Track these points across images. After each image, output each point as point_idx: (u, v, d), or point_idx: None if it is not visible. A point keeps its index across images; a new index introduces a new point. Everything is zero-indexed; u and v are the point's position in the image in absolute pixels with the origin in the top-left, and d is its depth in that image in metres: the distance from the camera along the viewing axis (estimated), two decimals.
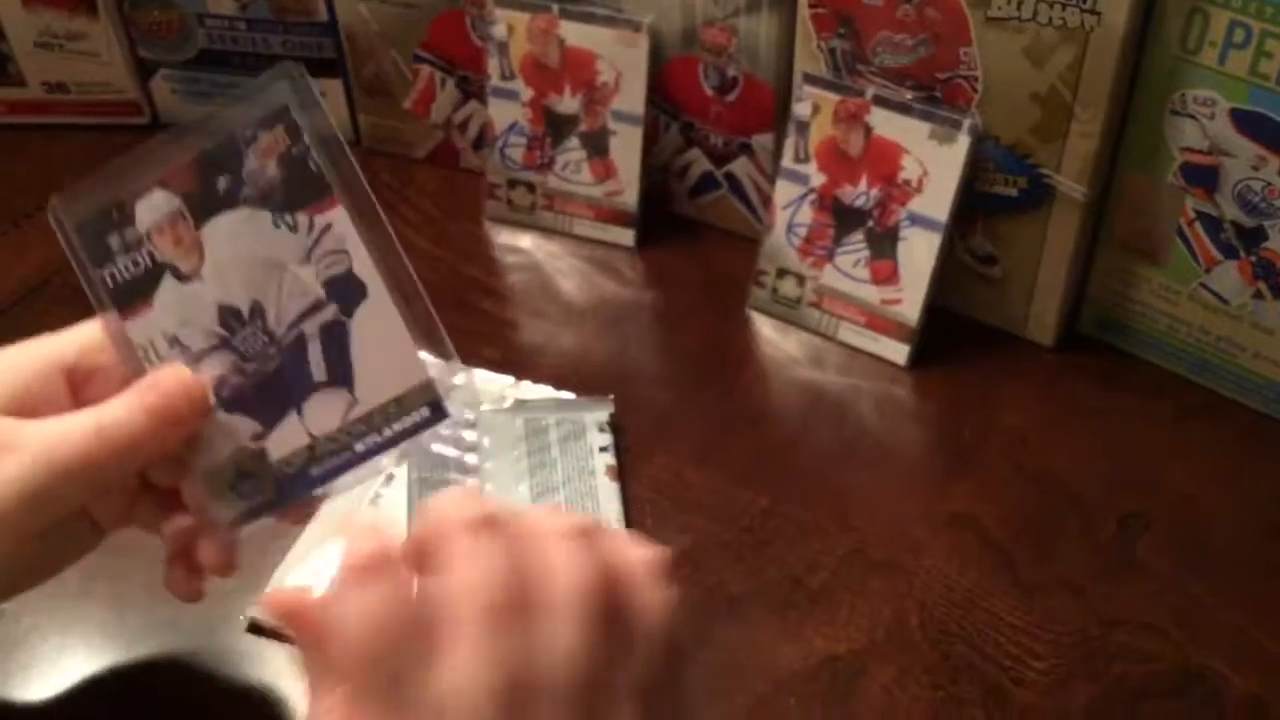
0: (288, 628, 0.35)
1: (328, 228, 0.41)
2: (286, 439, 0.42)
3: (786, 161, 0.69)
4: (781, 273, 0.70)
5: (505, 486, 0.59)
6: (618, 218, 0.75)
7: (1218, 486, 0.62)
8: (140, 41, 0.81)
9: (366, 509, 0.58)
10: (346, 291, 0.42)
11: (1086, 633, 0.55)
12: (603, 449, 0.61)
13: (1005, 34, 0.61)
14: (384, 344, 0.41)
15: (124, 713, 0.52)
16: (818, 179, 0.68)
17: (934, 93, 0.65)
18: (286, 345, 0.42)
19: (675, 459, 0.63)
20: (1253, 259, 0.62)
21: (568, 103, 0.73)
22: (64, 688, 0.53)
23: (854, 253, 0.68)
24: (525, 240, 0.77)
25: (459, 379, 0.42)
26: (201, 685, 0.53)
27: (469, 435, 0.62)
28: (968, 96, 0.64)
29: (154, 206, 0.42)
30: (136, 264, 0.42)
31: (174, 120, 0.84)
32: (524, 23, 0.72)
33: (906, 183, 0.65)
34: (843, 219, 0.68)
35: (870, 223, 0.67)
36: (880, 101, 0.65)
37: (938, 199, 0.65)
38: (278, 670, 0.53)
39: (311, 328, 0.42)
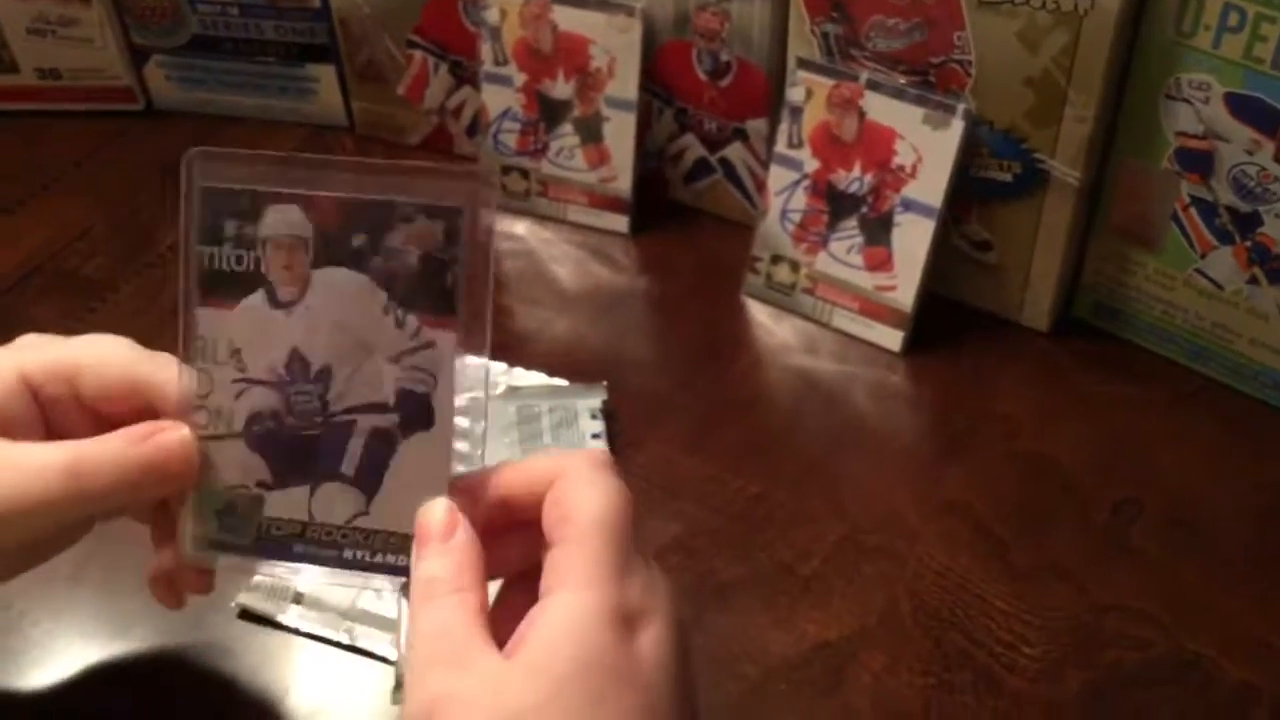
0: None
1: (430, 344, 0.40)
2: (288, 504, 0.41)
3: (780, 147, 0.69)
4: (776, 259, 0.70)
5: None
6: (612, 204, 0.75)
7: (1212, 472, 0.62)
8: (133, 27, 0.81)
9: None
10: (415, 412, 0.40)
11: (1079, 619, 0.55)
12: (595, 436, 0.61)
13: (999, 18, 0.61)
14: (421, 480, 0.40)
15: (116, 698, 0.52)
16: (811, 164, 0.68)
17: (928, 77, 0.64)
18: (334, 424, 0.41)
19: (668, 446, 0.63)
20: (1248, 244, 0.62)
21: (561, 88, 0.73)
22: (56, 674, 0.53)
23: (848, 239, 0.68)
24: (519, 226, 0.77)
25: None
26: (192, 670, 0.53)
27: (461, 422, 0.61)
28: (961, 81, 0.63)
29: (285, 221, 0.40)
30: (240, 261, 0.40)
31: (168, 107, 0.84)
32: (517, 8, 0.72)
33: (900, 168, 0.65)
34: (837, 205, 0.68)
35: (864, 208, 0.67)
36: (874, 86, 0.65)
37: (932, 184, 0.65)
38: (268, 655, 0.53)
39: (365, 423, 0.40)
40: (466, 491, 0.40)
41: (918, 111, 0.64)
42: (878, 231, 0.67)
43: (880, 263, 0.67)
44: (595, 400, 0.63)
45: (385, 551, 0.40)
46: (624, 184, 0.74)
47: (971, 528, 0.59)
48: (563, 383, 0.65)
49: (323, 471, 0.41)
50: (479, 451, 0.40)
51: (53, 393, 0.44)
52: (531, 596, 0.38)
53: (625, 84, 0.72)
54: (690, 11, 0.70)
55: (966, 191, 0.66)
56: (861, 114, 0.66)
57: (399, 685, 0.51)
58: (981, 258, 0.69)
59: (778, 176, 0.69)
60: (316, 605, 0.55)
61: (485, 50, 0.74)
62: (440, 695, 0.36)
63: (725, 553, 0.58)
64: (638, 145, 0.73)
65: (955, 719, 0.52)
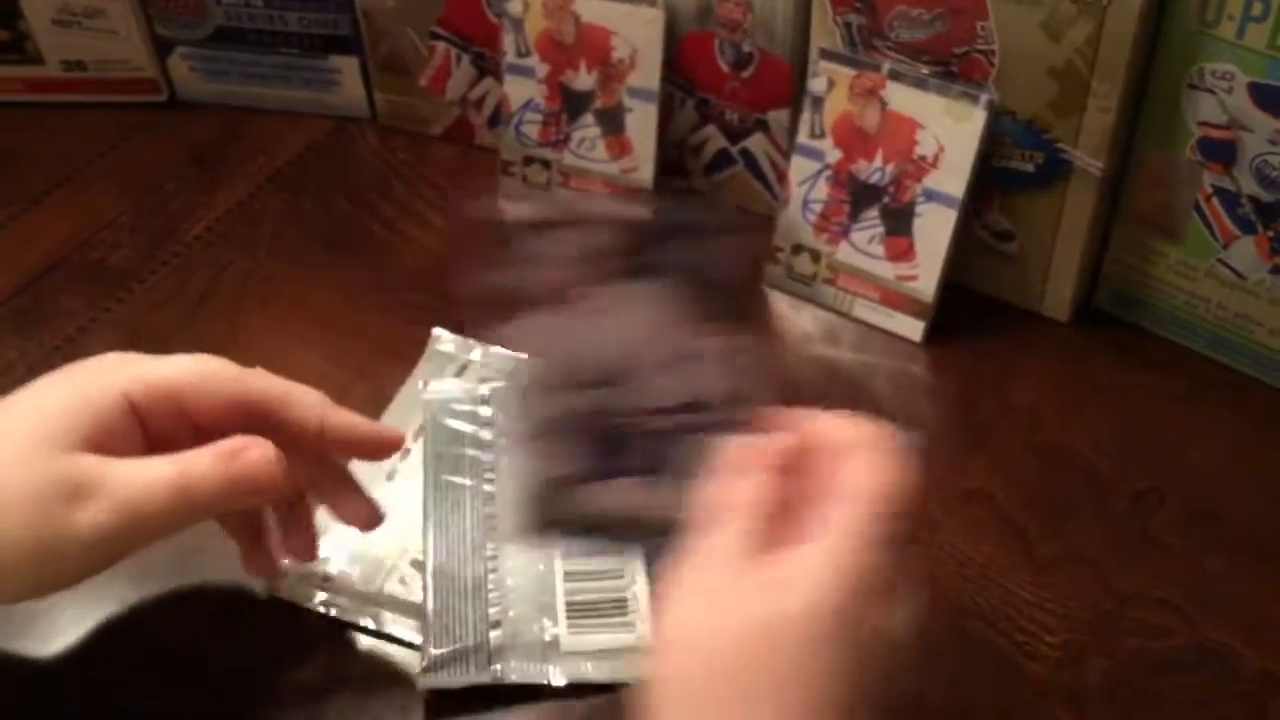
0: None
1: (733, 347, 0.45)
2: (613, 494, 0.44)
3: (802, 137, 0.69)
4: (797, 249, 0.71)
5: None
6: (633, 195, 0.76)
7: (1233, 463, 0.62)
8: (157, 18, 0.82)
9: (382, 486, 0.58)
10: (727, 409, 0.44)
11: (1100, 608, 0.56)
12: None
13: (1022, 8, 0.61)
14: None
15: (134, 671, 0.53)
16: (833, 155, 0.68)
17: (950, 67, 0.64)
18: (652, 421, 0.44)
19: None
20: (1270, 234, 0.62)
21: (583, 79, 0.74)
22: (62, 638, 0.54)
23: (869, 229, 0.68)
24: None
25: None
26: (217, 653, 0.54)
27: (484, 411, 0.62)
28: (984, 71, 0.63)
29: (590, 241, 0.44)
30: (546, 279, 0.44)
31: (192, 99, 0.85)
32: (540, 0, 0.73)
33: (922, 158, 0.65)
34: (858, 195, 0.68)
35: (886, 199, 0.67)
36: (896, 77, 0.65)
37: (954, 175, 0.65)
38: (294, 639, 0.54)
39: (680, 421, 0.44)
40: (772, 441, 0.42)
41: (940, 102, 0.64)
42: (899, 222, 0.67)
43: (901, 253, 0.68)
44: None
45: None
46: (645, 175, 0.75)
47: (993, 517, 0.59)
48: None
49: (644, 465, 0.44)
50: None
51: (155, 410, 0.47)
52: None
53: (647, 75, 0.72)
54: (713, 2, 0.70)
55: (988, 182, 0.66)
56: (883, 104, 0.66)
57: (425, 669, 0.52)
58: (1003, 248, 0.69)
59: (799, 167, 0.69)
60: (344, 590, 0.55)
61: (508, 42, 0.74)
62: (706, 610, 0.38)
63: None
64: (659, 136, 0.74)
65: (977, 708, 0.52)
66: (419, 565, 0.56)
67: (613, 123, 0.74)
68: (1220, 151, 0.61)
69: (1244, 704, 0.52)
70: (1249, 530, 0.59)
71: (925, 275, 0.67)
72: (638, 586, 0.55)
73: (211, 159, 0.81)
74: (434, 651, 0.53)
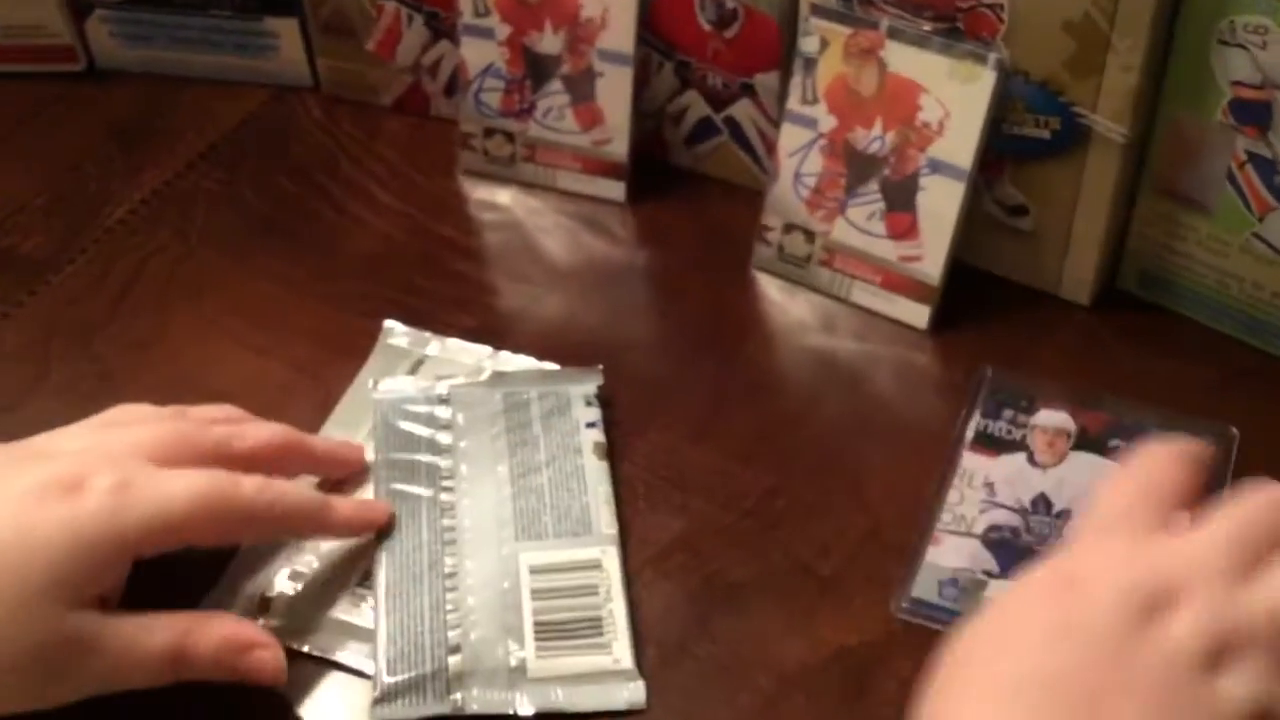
0: None
1: None
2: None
3: (792, 104, 0.68)
4: (788, 228, 0.70)
5: (482, 467, 0.59)
6: (606, 169, 0.75)
7: (1270, 457, 0.62)
8: None
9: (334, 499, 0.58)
10: None
11: None
12: (590, 425, 0.61)
13: None
14: None
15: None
16: (827, 122, 0.68)
17: (955, 24, 0.64)
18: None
19: (671, 435, 0.63)
20: None
21: (549, 41, 0.73)
22: None
23: (868, 204, 0.68)
24: (503, 195, 0.77)
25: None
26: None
27: (442, 412, 0.62)
28: (993, 28, 0.63)
29: (1054, 419, 0.62)
30: (1009, 434, 0.62)
31: (113, 67, 0.84)
32: None
33: (926, 125, 0.65)
34: (855, 167, 0.68)
35: (886, 171, 0.67)
36: (896, 35, 0.65)
37: (960, 143, 0.65)
38: None
39: None
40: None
41: (944, 62, 0.64)
42: (901, 196, 0.67)
43: (904, 230, 0.67)
44: (590, 386, 0.63)
45: None
46: (619, 147, 0.74)
47: None
48: (553, 367, 0.65)
49: None
50: None
51: (152, 550, 0.51)
52: None
53: (620, 36, 0.72)
54: None
55: (999, 150, 0.66)
56: (882, 66, 0.66)
57: (377, 700, 0.51)
58: (1016, 224, 0.69)
59: (790, 136, 0.69)
60: (286, 614, 0.55)
61: (464, 0, 0.74)
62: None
63: (735, 551, 0.58)
64: (634, 104, 0.73)
65: None
66: (369, 585, 0.55)
67: (582, 89, 0.74)
68: (1255, 114, 0.61)
69: None
70: None
71: (930, 255, 0.67)
72: (615, 604, 0.55)
73: (135, 135, 0.80)
74: (387, 680, 0.52)
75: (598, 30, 0.72)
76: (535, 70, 0.74)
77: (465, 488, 0.58)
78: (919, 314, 0.68)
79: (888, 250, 0.68)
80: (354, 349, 0.67)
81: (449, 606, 0.54)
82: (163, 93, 0.82)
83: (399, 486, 0.58)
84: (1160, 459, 0.46)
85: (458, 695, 0.52)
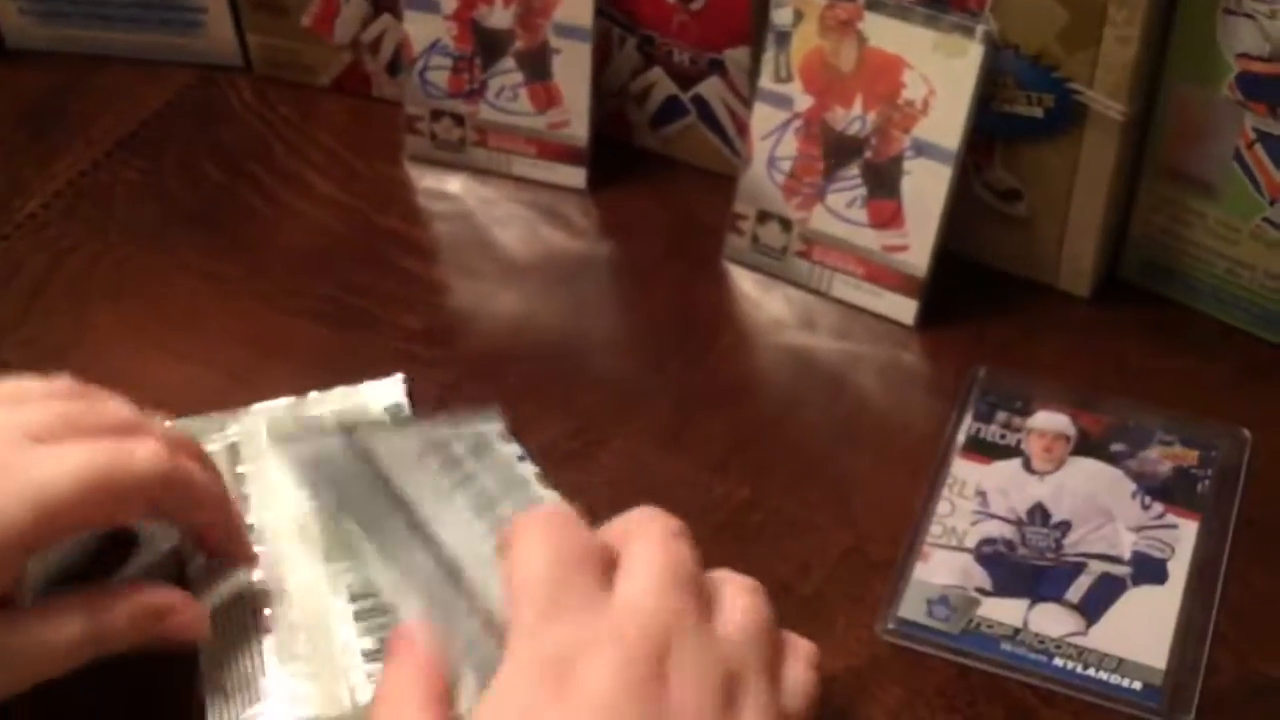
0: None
1: (1173, 527, 0.59)
2: (1003, 611, 0.56)
3: (765, 81, 0.69)
4: (763, 216, 0.70)
5: (440, 502, 0.58)
6: (565, 154, 0.75)
7: None
8: None
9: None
10: (1149, 571, 0.58)
11: None
12: (520, 458, 0.61)
13: None
14: (1143, 622, 0.56)
15: None
16: (803, 102, 0.68)
17: None
18: (1065, 560, 0.58)
19: (638, 442, 0.63)
20: None
21: (500, 14, 0.73)
22: None
23: (848, 190, 0.68)
24: (453, 183, 0.76)
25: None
26: None
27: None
28: None
29: (1052, 422, 0.63)
30: (1003, 438, 0.62)
31: (24, 47, 0.83)
32: None
33: (909, 104, 0.65)
34: (834, 149, 0.68)
35: (867, 153, 0.67)
36: (876, 6, 0.65)
37: (947, 123, 0.65)
38: None
39: (1097, 567, 0.58)
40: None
41: (928, 35, 0.64)
42: (884, 181, 0.67)
43: (888, 218, 0.67)
44: (496, 424, 0.61)
45: (1097, 668, 0.54)
46: (579, 130, 0.74)
47: None
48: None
49: (1044, 594, 0.57)
50: None
51: (45, 536, 0.50)
52: None
53: (578, 9, 0.72)
54: None
55: (989, 130, 0.66)
56: (861, 39, 0.66)
57: None
58: (1008, 210, 0.69)
59: (763, 117, 0.69)
60: None
61: None
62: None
63: (708, 568, 0.58)
64: (594, 83, 0.73)
65: None
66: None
67: (537, 67, 0.73)
68: (1264, 89, 0.61)
69: None
70: None
71: (917, 245, 0.67)
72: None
73: (48, 120, 0.80)
74: None
75: (553, 3, 0.72)
76: (486, 47, 0.74)
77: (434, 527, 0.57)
78: (905, 309, 0.68)
79: (870, 240, 0.68)
80: (289, 353, 0.66)
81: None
82: (78, 74, 0.82)
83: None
84: (554, 522, 0.46)
85: None
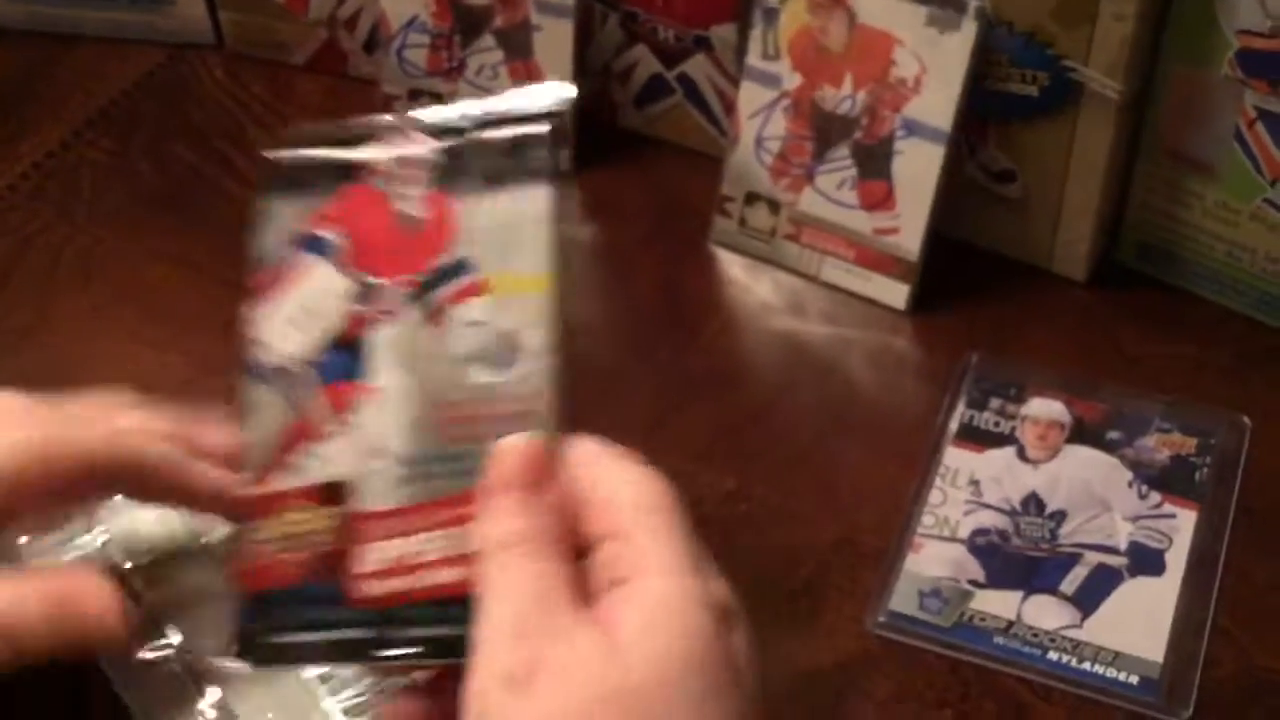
0: None
1: (1171, 517, 0.59)
2: (997, 603, 0.56)
3: (753, 59, 0.68)
4: (751, 198, 0.70)
5: None
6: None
7: None
8: None
9: None
10: (1146, 562, 0.57)
11: None
12: None
13: None
14: (1139, 615, 0.56)
15: None
16: (791, 80, 0.67)
17: None
18: (1060, 551, 0.58)
19: (621, 431, 0.62)
20: None
21: None
22: None
23: (838, 171, 0.68)
24: None
25: None
26: None
27: None
28: None
29: (1047, 409, 0.62)
30: (997, 426, 0.62)
31: None
32: None
33: (901, 82, 0.65)
34: (823, 129, 0.68)
35: (857, 133, 0.67)
36: None
37: (939, 102, 0.65)
38: None
39: (1093, 558, 0.57)
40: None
41: (920, 11, 0.64)
42: (875, 161, 0.67)
43: (879, 200, 0.67)
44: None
45: (1093, 661, 0.54)
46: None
47: None
48: None
49: (1038, 585, 0.57)
50: None
51: None
52: None
53: None
54: None
55: (982, 110, 0.66)
56: (851, 16, 0.65)
57: None
58: (1002, 191, 0.69)
59: (750, 96, 0.69)
60: None
61: None
62: (537, 660, 0.39)
63: None
64: (577, 61, 0.73)
65: None
66: None
67: (518, 44, 0.73)
68: (1264, 66, 0.61)
69: None
70: None
71: (908, 227, 0.67)
72: None
73: (15, 99, 0.79)
74: None
75: None
76: (465, 23, 0.73)
77: None
78: (896, 293, 0.68)
79: (861, 222, 0.68)
80: None
81: None
82: (47, 53, 0.81)
83: None
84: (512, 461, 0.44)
85: None
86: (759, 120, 0.69)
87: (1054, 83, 0.64)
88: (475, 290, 0.44)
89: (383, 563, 0.43)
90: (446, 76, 0.75)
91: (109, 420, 0.51)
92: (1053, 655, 0.55)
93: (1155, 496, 0.59)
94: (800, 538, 0.59)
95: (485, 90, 0.74)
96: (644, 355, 0.67)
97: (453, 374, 0.44)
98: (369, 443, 0.44)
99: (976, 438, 0.62)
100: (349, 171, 0.46)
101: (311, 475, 0.45)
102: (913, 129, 0.66)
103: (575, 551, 0.42)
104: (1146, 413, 0.62)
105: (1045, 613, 0.56)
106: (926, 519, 0.59)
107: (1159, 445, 0.61)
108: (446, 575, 0.43)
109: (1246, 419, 0.62)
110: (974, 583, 0.57)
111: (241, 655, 0.45)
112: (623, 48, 0.75)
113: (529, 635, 0.40)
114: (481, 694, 0.39)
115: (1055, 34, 0.63)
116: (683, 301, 0.70)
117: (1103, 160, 0.66)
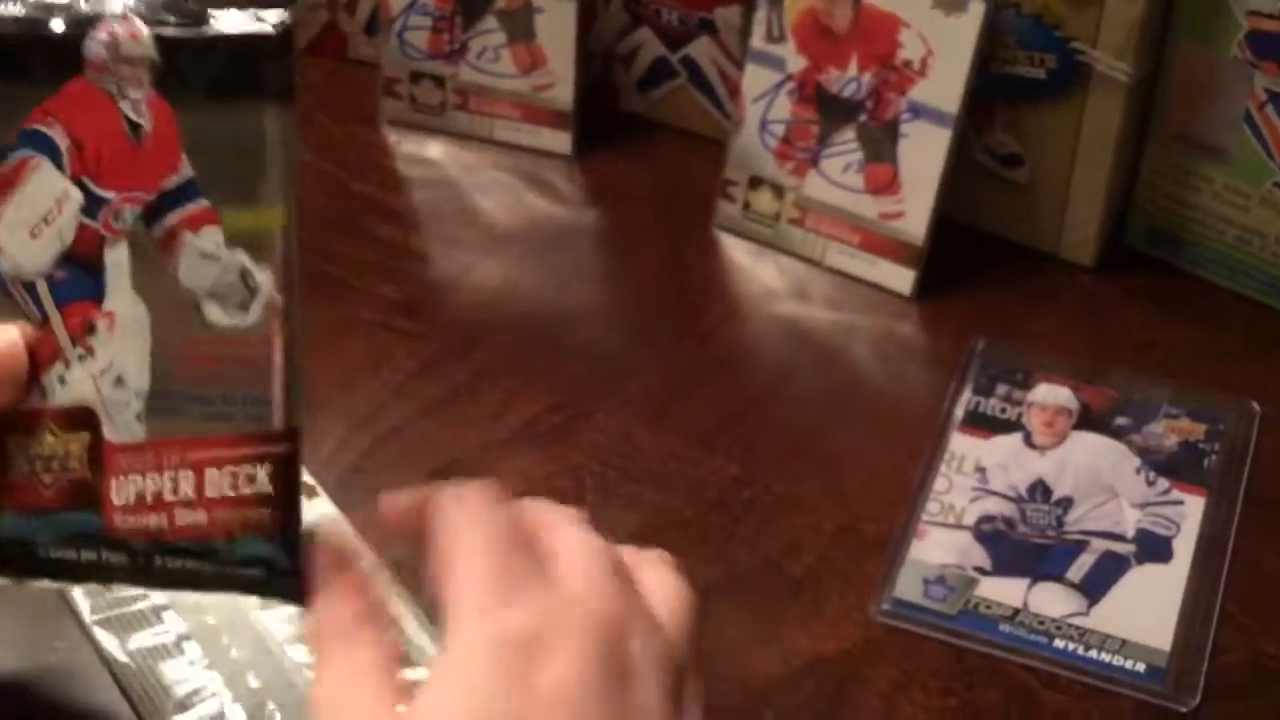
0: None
1: (1179, 503, 0.59)
2: (1003, 591, 0.56)
3: (757, 41, 0.68)
4: (755, 182, 0.70)
5: None
6: (550, 118, 0.75)
7: None
8: None
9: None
10: (1153, 549, 0.58)
11: None
12: None
13: None
14: (1148, 601, 0.56)
15: None
16: (796, 62, 0.67)
17: None
18: (1067, 538, 0.58)
19: (624, 417, 0.63)
20: None
21: None
22: None
23: (843, 155, 0.68)
24: (434, 148, 0.76)
25: None
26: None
27: None
28: None
29: (1054, 395, 0.62)
30: (1003, 412, 0.62)
31: None
32: None
33: (907, 64, 0.65)
34: (828, 112, 0.67)
35: (863, 116, 0.67)
36: None
37: (946, 85, 0.64)
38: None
39: (1100, 545, 0.58)
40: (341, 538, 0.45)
41: None
42: (880, 145, 0.67)
43: (884, 184, 0.67)
44: None
45: (1099, 649, 0.54)
46: (564, 92, 0.74)
47: None
48: None
49: (1045, 573, 0.57)
50: None
51: None
52: None
53: None
54: None
55: (989, 92, 0.66)
56: None
57: None
58: (1009, 175, 0.69)
59: (754, 79, 0.69)
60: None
61: None
62: None
63: (697, 549, 0.58)
64: (580, 43, 0.73)
65: None
66: None
67: (521, 26, 0.73)
68: (1275, 47, 0.61)
69: None
70: None
71: (914, 212, 0.67)
72: None
73: None
74: None
75: None
76: (467, 6, 0.73)
77: None
78: (902, 278, 0.68)
79: (866, 207, 0.68)
80: None
81: None
82: None
83: None
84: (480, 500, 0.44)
85: None
86: (763, 103, 0.69)
87: (1062, 65, 0.64)
88: (206, 218, 0.44)
89: (134, 497, 0.44)
90: (448, 59, 0.75)
91: None
92: (1059, 643, 0.55)
93: (1163, 483, 0.59)
94: (803, 524, 0.59)
95: (488, 73, 0.74)
96: (647, 341, 0.67)
97: (188, 309, 0.44)
98: (109, 371, 0.44)
99: (983, 424, 0.62)
100: (73, 65, 0.44)
101: (60, 399, 0.44)
102: (919, 112, 0.65)
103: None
104: (1154, 399, 0.62)
105: (1052, 600, 0.56)
106: (932, 506, 0.59)
107: (1167, 431, 0.61)
108: (195, 517, 0.43)
109: (1256, 405, 0.62)
110: (979, 570, 0.57)
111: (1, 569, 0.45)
112: (626, 30, 0.75)
113: None
114: None
115: (1063, 15, 0.63)
116: (686, 287, 0.70)
117: (1111, 144, 0.66)
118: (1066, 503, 0.59)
